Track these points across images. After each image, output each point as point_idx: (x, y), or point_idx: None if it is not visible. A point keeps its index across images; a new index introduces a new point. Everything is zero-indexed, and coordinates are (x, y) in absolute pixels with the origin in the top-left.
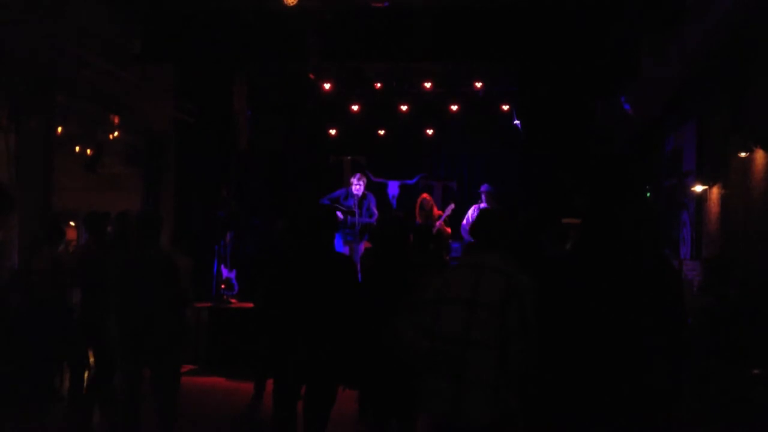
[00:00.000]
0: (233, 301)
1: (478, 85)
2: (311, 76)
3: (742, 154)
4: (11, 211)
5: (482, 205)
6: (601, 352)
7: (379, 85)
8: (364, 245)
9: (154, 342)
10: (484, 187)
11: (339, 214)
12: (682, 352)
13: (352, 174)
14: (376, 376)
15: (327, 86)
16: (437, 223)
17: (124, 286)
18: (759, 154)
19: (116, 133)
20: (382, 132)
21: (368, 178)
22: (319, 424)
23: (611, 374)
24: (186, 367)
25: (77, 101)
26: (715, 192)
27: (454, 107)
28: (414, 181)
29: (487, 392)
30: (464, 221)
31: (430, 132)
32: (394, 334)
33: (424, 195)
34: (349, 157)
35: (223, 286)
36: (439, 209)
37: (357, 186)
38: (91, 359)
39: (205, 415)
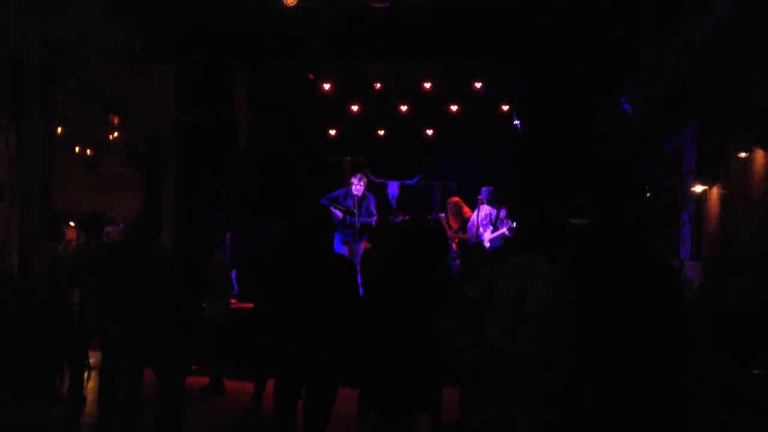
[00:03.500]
0: (233, 301)
1: (478, 85)
2: (311, 76)
3: (742, 154)
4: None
5: (484, 207)
6: (603, 353)
7: (379, 85)
8: (363, 245)
9: (156, 341)
10: (483, 192)
11: (338, 213)
12: (686, 353)
13: (353, 174)
14: (376, 376)
15: (327, 86)
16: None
17: (127, 284)
18: (759, 154)
19: (116, 133)
20: (382, 132)
21: (368, 179)
22: (319, 424)
23: (615, 375)
24: None
25: (77, 101)
26: (715, 192)
27: (454, 107)
28: (414, 181)
29: (531, 405)
30: (469, 223)
31: (430, 132)
32: (443, 338)
33: (454, 198)
34: (349, 158)
35: None
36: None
37: (357, 186)
38: (92, 359)
39: (205, 415)
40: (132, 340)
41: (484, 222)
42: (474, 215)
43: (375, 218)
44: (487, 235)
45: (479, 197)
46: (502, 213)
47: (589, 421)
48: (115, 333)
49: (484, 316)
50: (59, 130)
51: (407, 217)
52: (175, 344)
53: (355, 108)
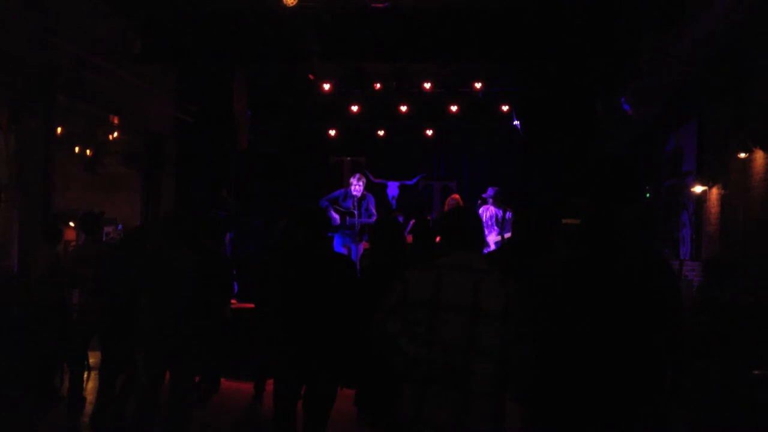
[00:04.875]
0: (233, 301)
1: (478, 85)
2: (311, 76)
3: (742, 155)
4: None
5: (490, 208)
6: (600, 352)
7: (379, 85)
8: (363, 245)
9: (183, 343)
10: (490, 192)
11: (335, 216)
12: (681, 352)
13: (352, 174)
14: (373, 376)
15: (327, 86)
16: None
17: (154, 285)
18: (759, 155)
19: (116, 133)
20: (381, 132)
21: (368, 179)
22: (319, 424)
23: (611, 374)
24: None
25: (77, 101)
26: (715, 192)
27: (454, 107)
28: (414, 181)
29: (492, 403)
30: None
31: (430, 132)
32: (379, 338)
33: (455, 195)
34: (348, 158)
35: None
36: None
37: (356, 186)
38: (92, 359)
39: (206, 415)
40: (163, 343)
41: (490, 223)
42: (480, 215)
43: (375, 218)
44: (492, 238)
45: (484, 195)
46: (508, 215)
47: (585, 420)
48: (142, 335)
49: (435, 317)
50: (59, 130)
51: (401, 218)
52: (195, 344)
53: (355, 108)
